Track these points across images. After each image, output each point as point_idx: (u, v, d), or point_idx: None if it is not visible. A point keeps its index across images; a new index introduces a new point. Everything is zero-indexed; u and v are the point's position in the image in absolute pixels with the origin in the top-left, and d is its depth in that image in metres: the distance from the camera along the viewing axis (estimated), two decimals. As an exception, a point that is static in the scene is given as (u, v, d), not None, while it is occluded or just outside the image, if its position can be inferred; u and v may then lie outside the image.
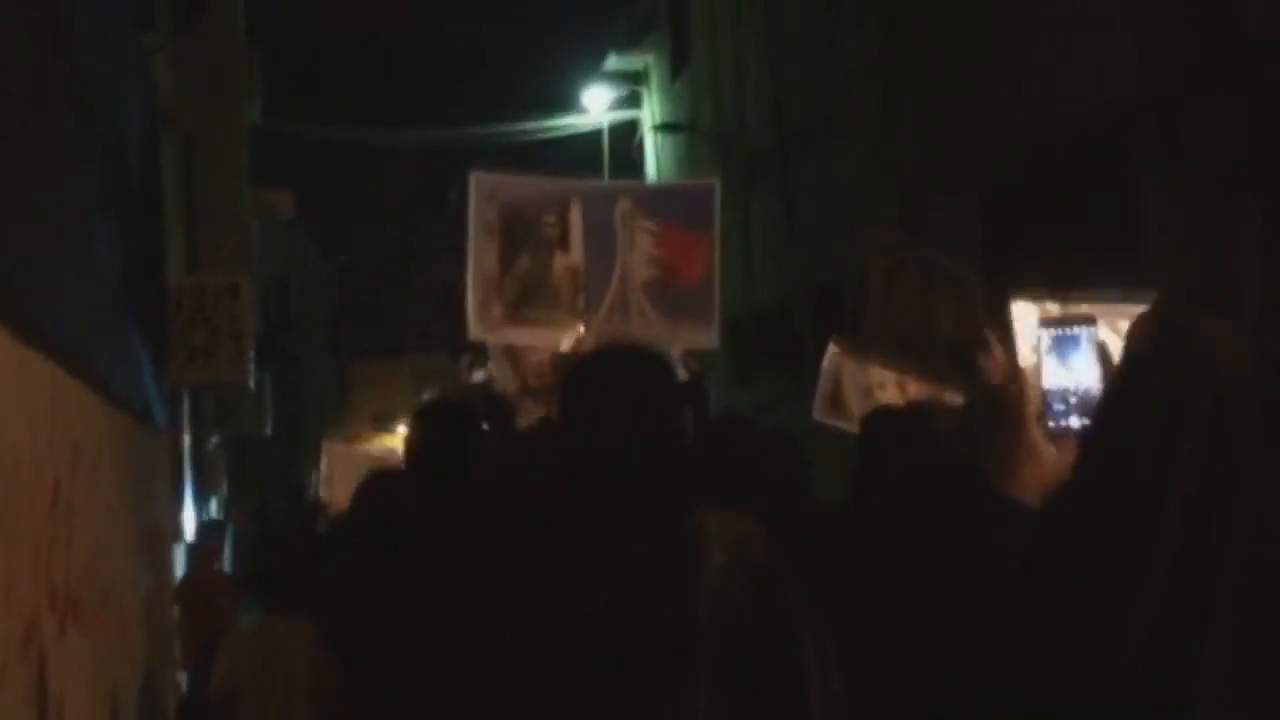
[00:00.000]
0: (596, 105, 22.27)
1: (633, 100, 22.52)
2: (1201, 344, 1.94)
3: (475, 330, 4.18)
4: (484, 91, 53.22)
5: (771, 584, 2.92)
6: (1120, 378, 2.10)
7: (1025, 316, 2.85)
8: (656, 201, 4.40)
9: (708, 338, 4.34)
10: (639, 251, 4.24)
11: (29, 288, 3.91)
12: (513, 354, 4.42)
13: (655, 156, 21.62)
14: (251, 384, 12.95)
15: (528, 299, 4.17)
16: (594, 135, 22.39)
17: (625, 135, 22.38)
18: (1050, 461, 2.65)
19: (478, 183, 4.19)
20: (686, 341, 4.18)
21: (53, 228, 4.41)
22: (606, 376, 3.08)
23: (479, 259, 4.13)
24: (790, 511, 4.09)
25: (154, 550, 9.01)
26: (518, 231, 4.15)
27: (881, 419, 4.26)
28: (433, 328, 49.41)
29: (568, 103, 22.72)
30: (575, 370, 3.29)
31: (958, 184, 11.45)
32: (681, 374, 4.08)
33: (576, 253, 4.21)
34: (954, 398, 5.24)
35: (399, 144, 23.43)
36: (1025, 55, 10.32)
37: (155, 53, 9.67)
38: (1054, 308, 2.81)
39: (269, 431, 20.34)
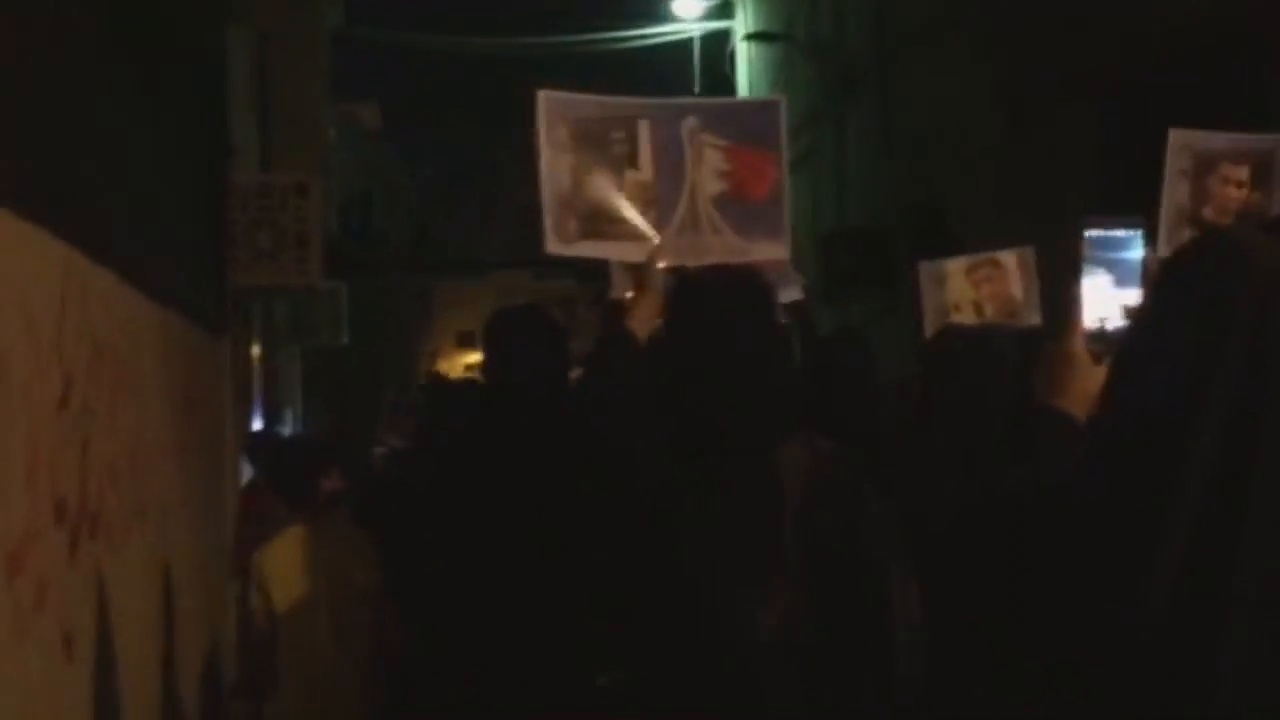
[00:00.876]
0: (687, 13, 21.55)
1: (725, 9, 21.80)
2: (1241, 246, 1.91)
3: (552, 245, 4.19)
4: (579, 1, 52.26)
5: (853, 510, 3.17)
6: (1156, 281, 2.04)
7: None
8: (723, 118, 4.38)
9: (780, 250, 4.32)
10: (707, 167, 4.29)
11: (38, 162, 3.50)
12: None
13: (748, 68, 20.91)
14: (320, 289, 12.47)
15: (601, 214, 4.20)
16: (684, 45, 21.72)
17: (717, 45, 21.68)
18: (1093, 374, 2.57)
19: (546, 101, 4.21)
20: (758, 254, 4.27)
21: (73, 102, 4.04)
22: (713, 298, 3.35)
23: (552, 176, 4.17)
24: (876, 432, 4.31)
25: (211, 462, 8.64)
26: (587, 149, 4.21)
27: (943, 339, 4.42)
28: (516, 246, 49.10)
29: (657, 10, 22.01)
30: (682, 290, 3.57)
31: (1070, 93, 10.70)
32: (790, 294, 4.33)
33: (646, 169, 4.25)
34: (1031, 319, 5.57)
35: (484, 51, 22.82)
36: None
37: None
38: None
39: (345, 341, 19.93)
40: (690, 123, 4.30)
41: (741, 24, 21.16)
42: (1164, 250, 3.84)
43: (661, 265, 4.03)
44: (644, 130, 4.25)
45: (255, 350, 13.96)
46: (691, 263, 4.12)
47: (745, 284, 3.61)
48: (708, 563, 3.24)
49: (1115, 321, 2.62)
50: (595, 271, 4.79)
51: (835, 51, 17.02)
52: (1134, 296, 2.62)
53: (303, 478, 5.67)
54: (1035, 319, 5.56)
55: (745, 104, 4.77)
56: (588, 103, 4.27)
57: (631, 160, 4.23)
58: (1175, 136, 4.34)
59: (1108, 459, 1.93)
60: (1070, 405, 2.56)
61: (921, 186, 14.06)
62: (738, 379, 3.37)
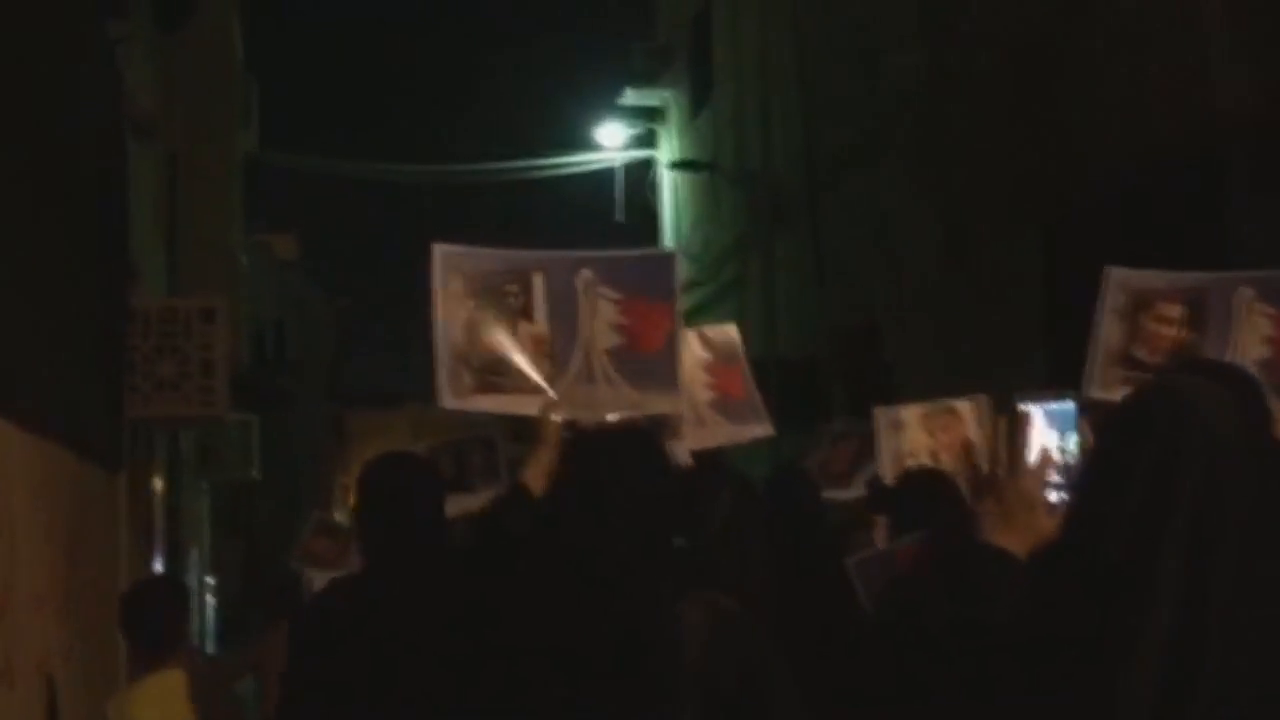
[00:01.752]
0: (611, 142, 21.24)
1: (648, 139, 21.52)
2: (1194, 404, 1.97)
3: (447, 399, 4.21)
4: (493, 127, 52.41)
5: (750, 673, 3.22)
6: (1109, 435, 2.09)
7: None
8: (617, 271, 4.44)
9: (674, 403, 4.38)
10: (601, 319, 4.35)
11: None
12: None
13: (672, 196, 20.60)
14: (228, 420, 11.83)
15: (495, 367, 4.23)
16: (607, 174, 21.37)
17: (640, 174, 21.37)
18: (1044, 516, 2.63)
19: (440, 254, 4.27)
20: (652, 407, 4.34)
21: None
22: (598, 457, 3.39)
23: (447, 329, 4.20)
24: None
25: (101, 612, 7.98)
26: (482, 302, 4.26)
27: (903, 485, 4.73)
28: (433, 375, 48.42)
29: (581, 139, 21.69)
30: (569, 449, 3.61)
31: (1015, 216, 10.34)
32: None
33: (541, 322, 4.30)
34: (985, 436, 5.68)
35: (402, 178, 22.40)
36: (1098, 69, 9.24)
37: (123, 41, 8.61)
38: None
39: (256, 476, 19.24)
40: (585, 275, 4.34)
41: (666, 153, 20.87)
42: (1094, 389, 4.11)
43: (556, 418, 4.05)
44: (538, 283, 4.29)
45: (158, 485, 13.23)
46: (586, 417, 4.17)
47: (632, 441, 3.58)
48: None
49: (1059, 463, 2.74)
50: None
51: (762, 179, 16.71)
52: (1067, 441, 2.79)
53: (160, 621, 5.31)
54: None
55: (639, 256, 4.80)
56: (483, 255, 4.32)
57: (526, 313, 4.27)
58: (1112, 275, 4.37)
59: (1060, 602, 1.96)
60: (1014, 544, 2.57)
61: (855, 313, 13.66)
62: (622, 537, 3.29)
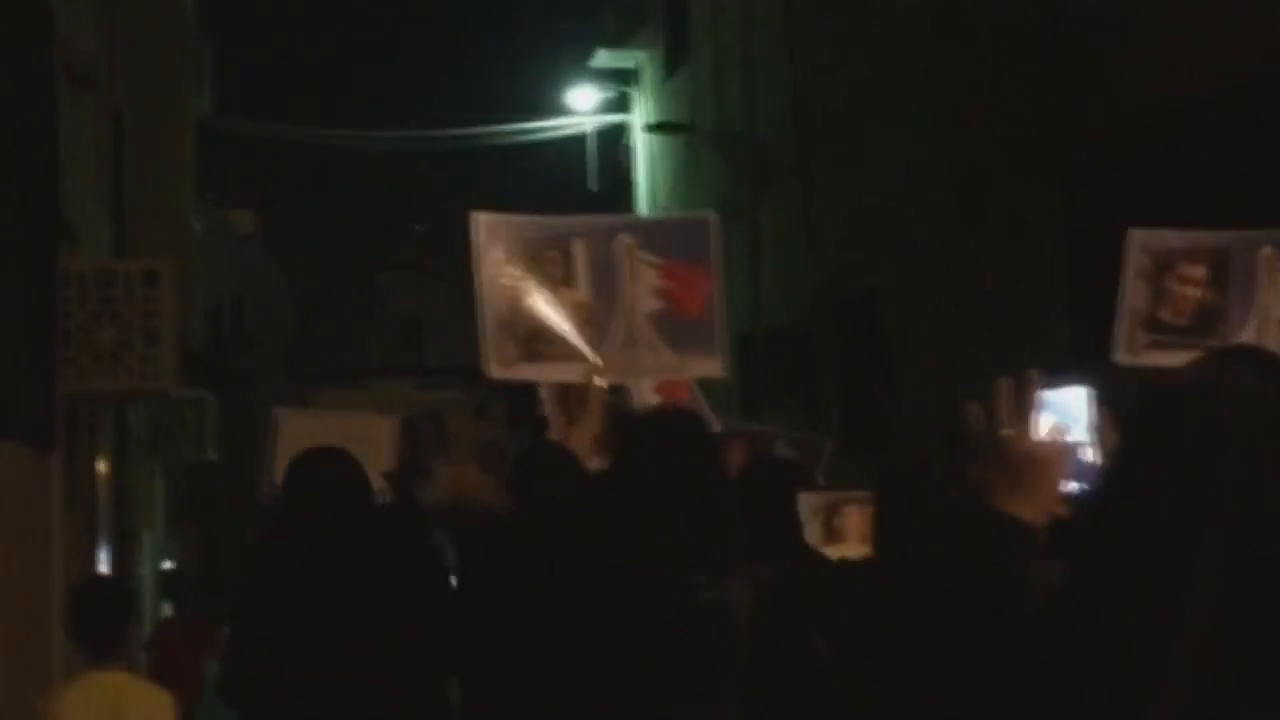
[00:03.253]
0: (583, 106, 20.36)
1: (621, 103, 20.64)
2: (1229, 406, 1.84)
3: (494, 370, 4.31)
4: (460, 92, 51.49)
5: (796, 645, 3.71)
6: (1131, 441, 1.96)
7: None
8: (655, 235, 4.52)
9: (716, 367, 4.47)
10: (642, 284, 4.40)
11: None
12: (562, 399, 4.52)
13: (648, 162, 19.73)
14: (174, 396, 10.93)
15: (539, 335, 4.30)
16: (579, 139, 20.49)
17: (614, 140, 20.50)
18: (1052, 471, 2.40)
19: (481, 223, 4.33)
20: (694, 371, 4.49)
21: None
22: (662, 450, 3.41)
23: (489, 299, 4.29)
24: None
25: (29, 606, 7.25)
26: (523, 270, 4.32)
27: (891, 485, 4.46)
28: (398, 355, 47.83)
29: (551, 103, 20.80)
30: (624, 433, 3.63)
31: (1033, 177, 9.50)
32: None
33: (582, 288, 4.36)
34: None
35: (363, 145, 21.45)
36: (1132, 6, 8.41)
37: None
38: None
39: (212, 457, 18.36)
40: (624, 240, 4.39)
41: (640, 117, 19.99)
42: (1122, 354, 4.19)
43: (601, 383, 4.17)
44: (578, 249, 4.33)
45: (102, 467, 12.30)
46: (629, 380, 4.37)
47: (687, 425, 3.60)
48: (654, 695, 3.28)
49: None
50: (479, 381, 4.99)
51: (745, 141, 15.85)
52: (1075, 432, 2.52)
53: (106, 623, 5.20)
54: None
55: (676, 220, 5.20)
56: (522, 223, 4.36)
57: (567, 280, 4.31)
58: (1133, 236, 4.34)
59: (1096, 596, 1.86)
60: (1022, 508, 2.37)
61: (851, 280, 12.82)
62: (682, 517, 3.36)
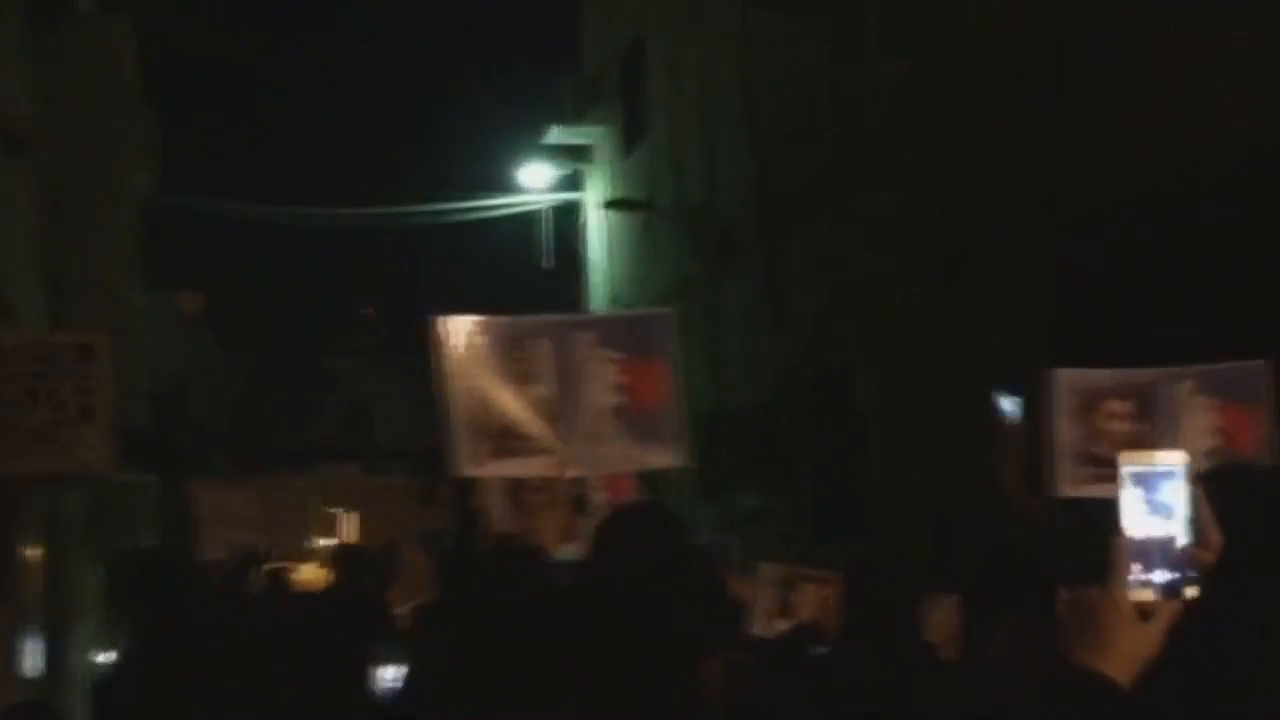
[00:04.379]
0: (536, 183, 19.96)
1: (575, 181, 20.26)
2: None
3: (463, 469, 4.48)
4: (412, 168, 51.09)
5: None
6: (1227, 569, 2.00)
7: None
8: (615, 332, 4.73)
9: (675, 457, 4.69)
10: (603, 380, 4.57)
11: None
12: (512, 491, 4.80)
13: (604, 239, 19.31)
14: (113, 479, 10.35)
15: (509, 433, 4.48)
16: (533, 217, 20.07)
17: (570, 216, 20.11)
18: (1141, 630, 2.18)
19: (444, 326, 4.50)
20: (654, 462, 4.72)
21: None
22: (635, 533, 3.57)
23: (457, 399, 4.45)
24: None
25: None
26: (490, 369, 4.49)
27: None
28: (346, 439, 47.17)
29: (505, 181, 20.39)
30: (608, 527, 3.70)
31: (1020, 246, 9.09)
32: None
33: (544, 385, 4.53)
34: None
35: (312, 223, 20.96)
36: (1128, 66, 8.05)
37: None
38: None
39: (153, 543, 17.66)
40: (585, 338, 4.61)
41: (594, 194, 19.60)
42: (1064, 489, 4.51)
43: (568, 475, 4.45)
44: (541, 347, 4.54)
45: (34, 554, 11.67)
46: (592, 473, 4.66)
47: (663, 520, 3.70)
48: None
49: (1161, 569, 2.21)
50: (427, 466, 5.39)
51: (706, 216, 15.44)
52: (1170, 526, 2.24)
53: None
54: None
55: (635, 316, 5.44)
56: (484, 323, 4.54)
57: (532, 377, 4.52)
58: (1059, 376, 4.66)
59: None
60: (1111, 667, 2.15)
61: (819, 359, 12.37)
62: (663, 602, 3.45)
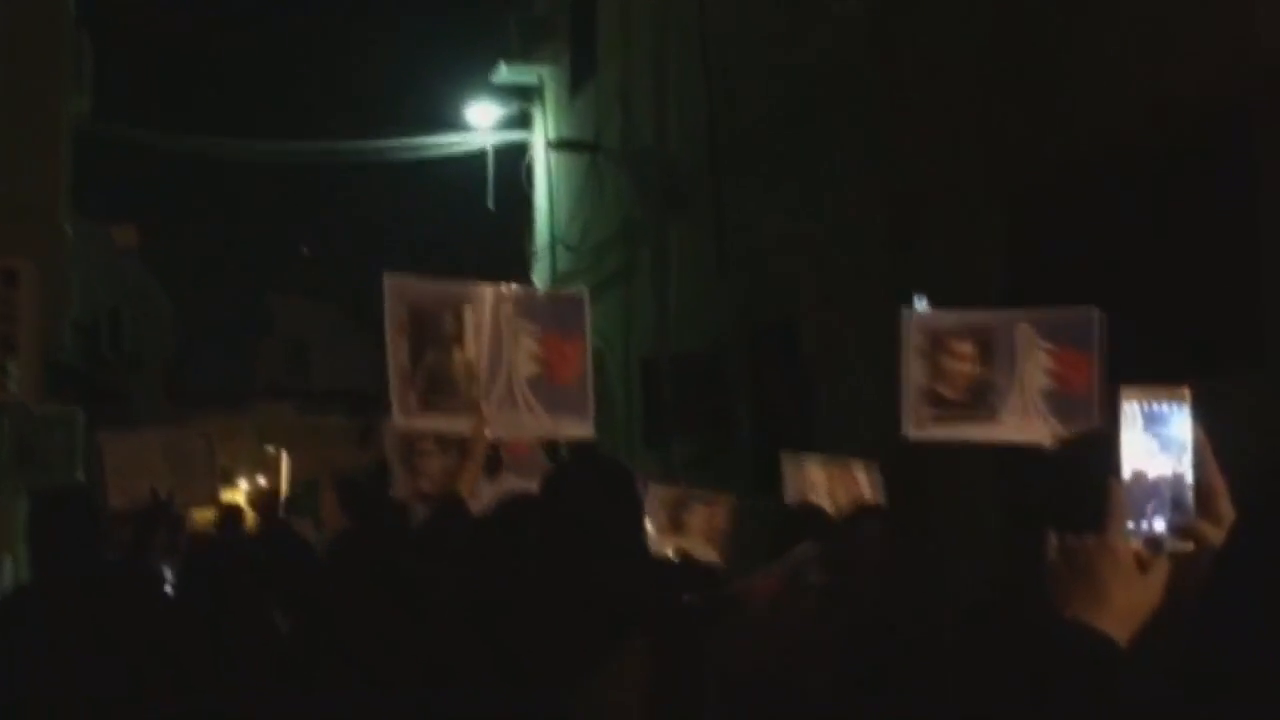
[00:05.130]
0: (483, 122, 19.62)
1: (523, 120, 19.94)
2: None
3: (398, 419, 4.77)
4: (357, 104, 50.56)
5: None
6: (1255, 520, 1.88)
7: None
8: (534, 307, 4.96)
9: (586, 430, 4.92)
10: (522, 350, 4.83)
11: None
12: (412, 463, 5.40)
13: (550, 181, 19.02)
14: (37, 412, 10.04)
15: (435, 388, 4.74)
16: (479, 156, 19.74)
17: (515, 156, 19.78)
18: (1140, 583, 2.08)
19: (390, 285, 4.74)
20: (567, 433, 4.97)
21: None
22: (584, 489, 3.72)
23: (395, 354, 4.71)
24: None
25: None
26: (424, 329, 4.75)
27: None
28: (282, 378, 46.80)
29: (451, 119, 20.04)
30: (555, 479, 3.88)
31: (974, 201, 8.92)
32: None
33: (471, 348, 4.79)
34: (877, 498, 6.66)
35: (252, 157, 20.53)
36: (1083, 15, 7.85)
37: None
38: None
39: (80, 478, 17.31)
40: (506, 309, 4.82)
41: (541, 135, 19.29)
42: (910, 431, 4.56)
43: (486, 436, 4.70)
44: (469, 313, 4.77)
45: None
46: (507, 437, 5.03)
47: (615, 474, 3.86)
48: None
49: (1161, 523, 2.11)
50: (363, 407, 6.48)
51: (655, 160, 15.18)
52: (1177, 464, 2.14)
53: None
54: None
55: (551, 295, 5.80)
56: (424, 286, 4.80)
57: (459, 339, 4.75)
58: (910, 316, 4.68)
59: None
60: (1106, 621, 2.02)
61: (765, 306, 12.18)
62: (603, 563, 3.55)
